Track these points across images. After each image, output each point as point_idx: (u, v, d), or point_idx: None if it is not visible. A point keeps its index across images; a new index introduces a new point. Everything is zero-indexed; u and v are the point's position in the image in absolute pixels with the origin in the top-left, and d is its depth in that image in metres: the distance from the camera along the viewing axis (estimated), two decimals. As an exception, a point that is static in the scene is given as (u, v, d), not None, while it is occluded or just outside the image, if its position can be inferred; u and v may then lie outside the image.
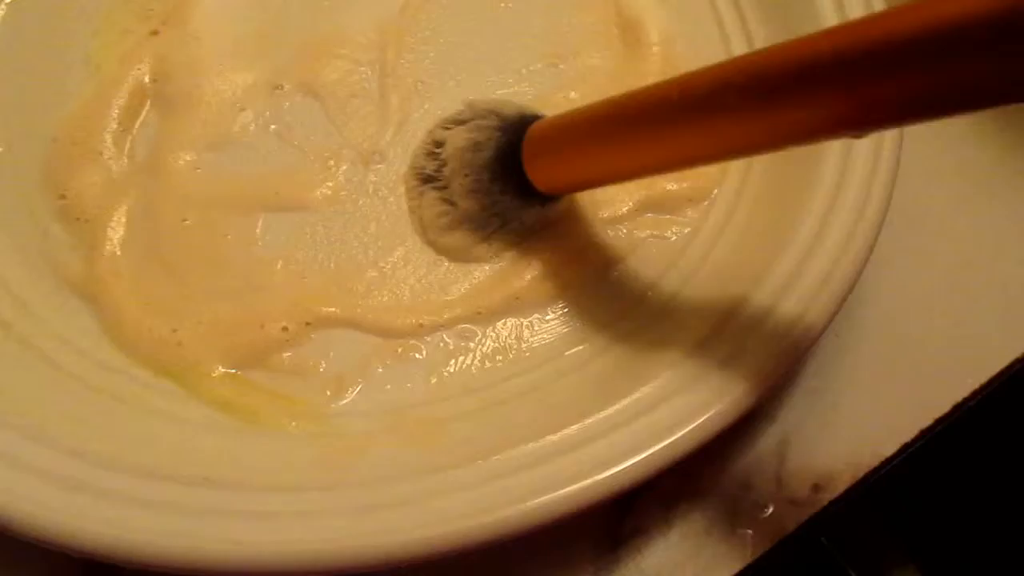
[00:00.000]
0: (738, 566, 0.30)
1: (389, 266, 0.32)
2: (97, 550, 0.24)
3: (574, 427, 0.26)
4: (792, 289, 0.29)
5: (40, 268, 0.32)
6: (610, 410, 0.27)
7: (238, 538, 0.24)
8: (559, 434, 0.27)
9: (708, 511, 0.31)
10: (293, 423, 0.29)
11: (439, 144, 0.33)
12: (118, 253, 0.32)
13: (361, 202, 0.34)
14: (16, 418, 0.26)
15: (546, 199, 0.32)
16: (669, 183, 0.34)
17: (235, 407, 0.29)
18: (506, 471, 0.26)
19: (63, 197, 0.33)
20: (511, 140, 0.31)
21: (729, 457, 0.32)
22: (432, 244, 0.33)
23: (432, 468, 0.26)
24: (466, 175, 0.32)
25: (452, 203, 0.32)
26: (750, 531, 0.31)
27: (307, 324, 0.31)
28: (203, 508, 0.25)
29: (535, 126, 0.31)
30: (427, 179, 0.33)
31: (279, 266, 0.32)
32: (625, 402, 0.27)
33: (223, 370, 0.30)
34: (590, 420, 0.26)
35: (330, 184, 0.34)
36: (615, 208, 0.34)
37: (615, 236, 0.34)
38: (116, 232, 0.32)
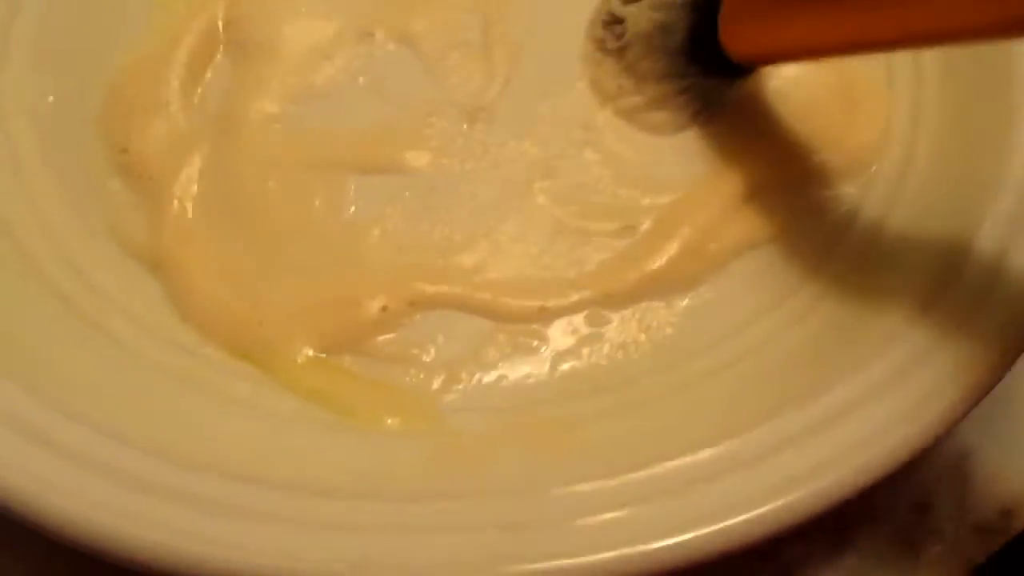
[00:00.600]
0: (923, 601, 0.25)
1: (504, 238, 0.28)
2: (180, 568, 0.19)
3: (758, 430, 0.22)
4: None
5: (99, 231, 0.27)
6: (800, 411, 0.22)
7: (363, 555, 0.19)
8: (731, 441, 0.22)
9: (880, 537, 0.26)
10: (397, 419, 0.25)
11: (618, 20, 0.29)
12: (189, 215, 0.28)
13: (468, 165, 0.29)
14: (78, 406, 0.22)
15: (742, 72, 0.28)
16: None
17: (327, 397, 0.25)
18: (666, 488, 0.21)
19: (125, 151, 0.29)
20: (703, 16, 0.27)
21: (901, 472, 0.27)
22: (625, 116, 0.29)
23: (572, 480, 0.22)
24: (656, 60, 0.29)
25: (639, 82, 0.29)
26: (929, 563, 0.26)
27: (410, 304, 0.26)
28: (305, 518, 0.20)
29: None
30: (607, 52, 0.30)
31: (375, 236, 0.27)
32: (822, 398, 0.22)
33: (312, 354, 0.25)
34: (775, 421, 0.22)
35: (432, 143, 0.29)
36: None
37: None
38: (186, 191, 0.28)
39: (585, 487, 0.21)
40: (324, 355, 0.26)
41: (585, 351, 0.26)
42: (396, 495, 0.21)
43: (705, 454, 0.22)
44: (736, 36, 0.27)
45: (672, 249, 0.27)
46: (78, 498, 0.20)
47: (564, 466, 0.22)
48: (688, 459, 0.22)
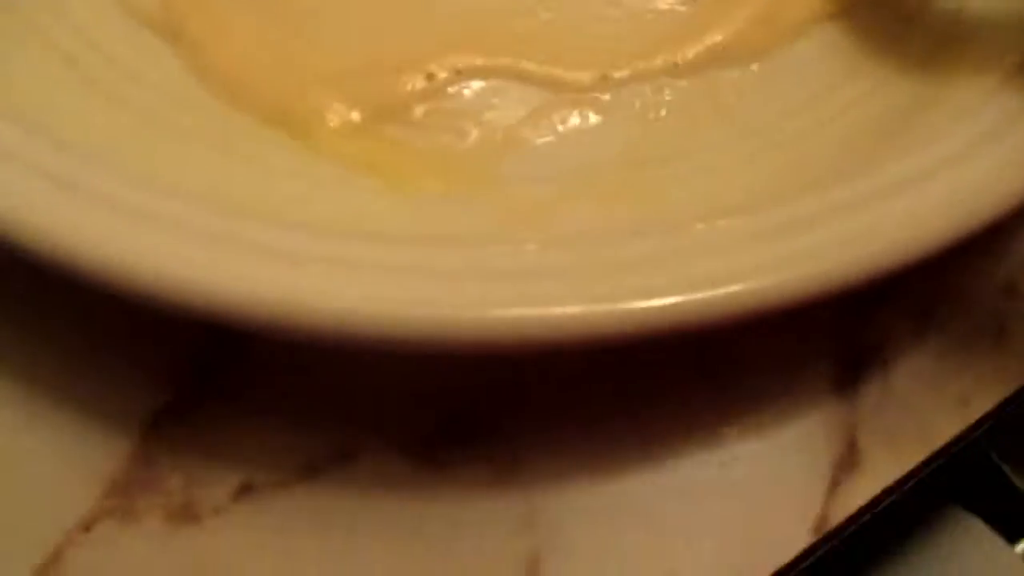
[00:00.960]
0: (1016, 384, 0.23)
1: (564, 2, 0.25)
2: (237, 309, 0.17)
3: (856, 180, 0.20)
4: None
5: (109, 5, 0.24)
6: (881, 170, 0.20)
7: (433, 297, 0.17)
8: (818, 192, 0.20)
9: (968, 321, 0.24)
10: (450, 185, 0.22)
11: None
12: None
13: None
14: (100, 158, 0.19)
15: None
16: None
17: (370, 162, 0.22)
18: (773, 230, 0.19)
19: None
20: None
21: (989, 254, 0.25)
22: None
23: (654, 227, 0.19)
24: None
25: None
26: (1015, 348, 0.24)
27: (458, 72, 0.24)
28: (370, 262, 0.18)
29: None
30: None
31: None
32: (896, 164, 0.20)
33: (350, 117, 0.23)
34: (882, 168, 0.20)
35: None
36: None
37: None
38: (202, -46, 0.25)
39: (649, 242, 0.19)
40: (363, 122, 0.23)
41: (651, 119, 0.24)
42: (463, 240, 0.19)
43: (793, 204, 0.19)
44: None
45: (741, 17, 0.25)
46: (115, 243, 0.18)
47: (635, 217, 0.20)
48: (766, 213, 0.19)
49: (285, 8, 0.24)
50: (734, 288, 0.18)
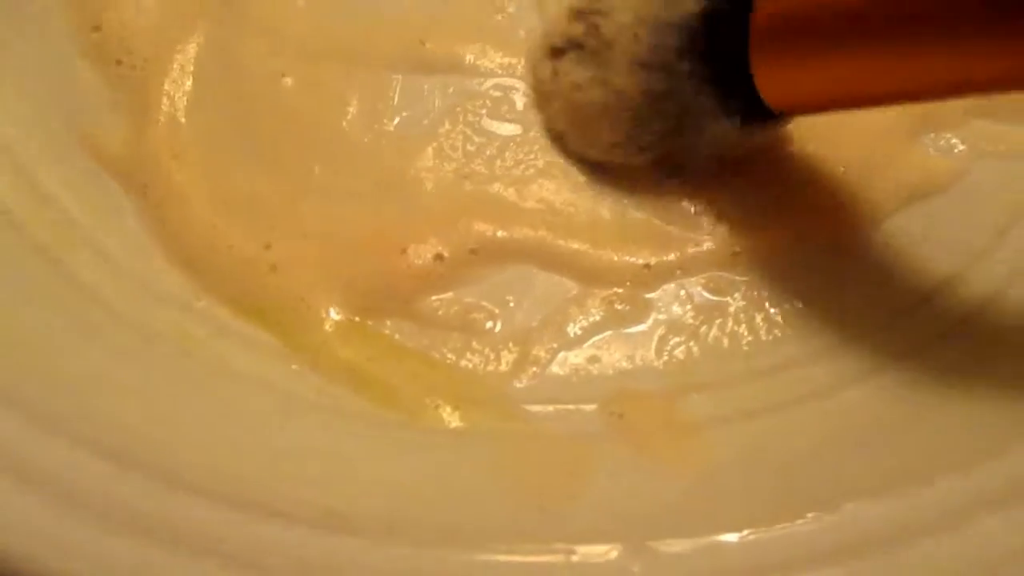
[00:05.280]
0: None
1: (599, 172, 0.21)
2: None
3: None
4: None
5: (65, 138, 0.21)
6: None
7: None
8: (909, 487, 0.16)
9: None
10: (453, 410, 0.18)
11: None
12: (181, 120, 0.21)
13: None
14: (25, 389, 0.16)
15: (768, 117, 0.19)
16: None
17: (361, 377, 0.19)
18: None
19: (97, 29, 0.22)
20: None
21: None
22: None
23: (711, 524, 0.16)
24: (636, 38, 0.20)
25: (603, 79, 0.20)
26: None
27: (471, 252, 0.20)
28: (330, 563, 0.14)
29: None
30: (567, 46, 0.21)
31: (429, 157, 0.21)
32: None
33: (342, 316, 0.19)
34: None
35: (503, 34, 0.22)
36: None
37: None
38: (177, 87, 0.21)
39: (731, 539, 0.15)
40: (358, 318, 0.19)
41: (703, 326, 0.20)
42: (453, 530, 0.15)
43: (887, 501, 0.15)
44: (772, 62, 0.18)
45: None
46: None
47: (692, 493, 0.16)
48: (863, 504, 0.15)
49: (268, 164, 0.20)
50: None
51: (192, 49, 0.22)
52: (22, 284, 0.19)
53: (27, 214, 0.19)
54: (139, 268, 0.19)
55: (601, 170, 0.21)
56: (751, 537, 0.15)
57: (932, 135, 0.22)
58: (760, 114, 0.19)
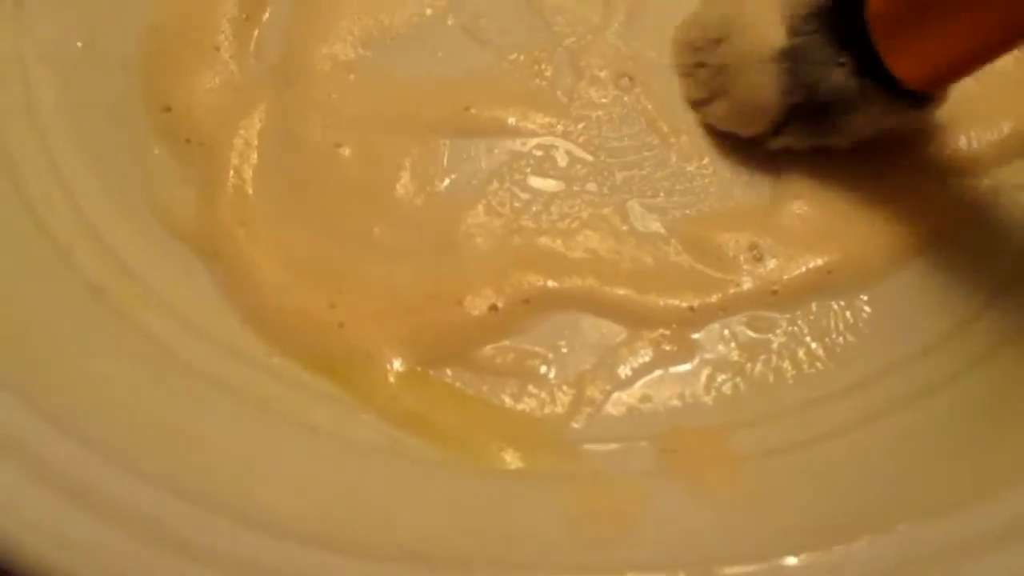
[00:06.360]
0: None
1: (641, 220, 0.22)
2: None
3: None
4: None
5: (139, 210, 0.22)
6: None
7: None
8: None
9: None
10: (515, 452, 0.19)
11: None
12: (247, 191, 0.22)
13: (586, 122, 0.23)
14: (99, 432, 0.17)
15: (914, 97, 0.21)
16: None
17: (426, 424, 0.20)
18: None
19: (168, 109, 0.23)
20: None
21: None
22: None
23: (761, 540, 0.16)
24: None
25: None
26: None
27: (524, 302, 0.21)
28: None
29: None
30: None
31: (479, 215, 0.22)
32: None
33: (405, 367, 0.20)
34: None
35: (543, 96, 0.24)
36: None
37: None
38: (243, 159, 0.23)
39: (791, 562, 0.16)
40: (420, 368, 0.20)
41: (748, 362, 0.21)
42: (526, 566, 0.16)
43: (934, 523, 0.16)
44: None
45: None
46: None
47: (749, 520, 0.17)
48: (917, 525, 0.16)
49: (330, 229, 0.22)
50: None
51: (255, 125, 0.23)
52: (107, 345, 0.20)
53: (108, 282, 0.21)
54: (215, 329, 0.21)
55: (642, 216, 0.22)
56: (810, 560, 0.15)
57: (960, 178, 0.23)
58: (902, 95, 0.20)
